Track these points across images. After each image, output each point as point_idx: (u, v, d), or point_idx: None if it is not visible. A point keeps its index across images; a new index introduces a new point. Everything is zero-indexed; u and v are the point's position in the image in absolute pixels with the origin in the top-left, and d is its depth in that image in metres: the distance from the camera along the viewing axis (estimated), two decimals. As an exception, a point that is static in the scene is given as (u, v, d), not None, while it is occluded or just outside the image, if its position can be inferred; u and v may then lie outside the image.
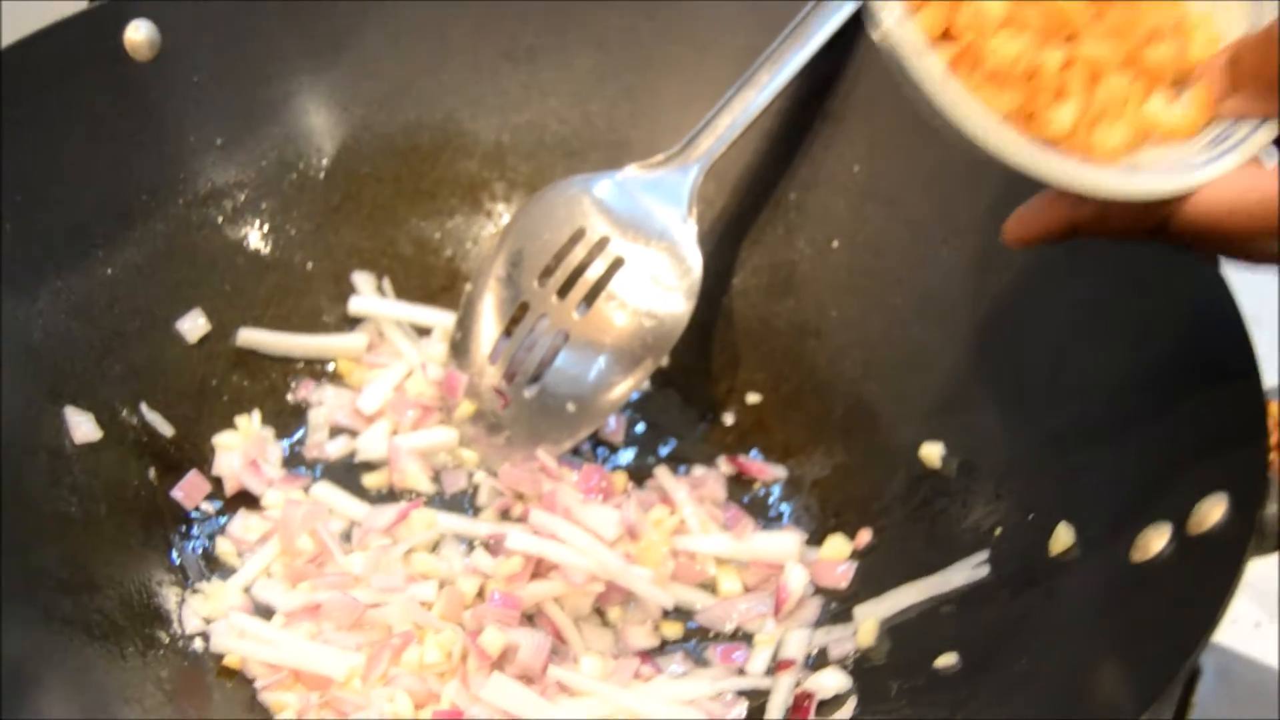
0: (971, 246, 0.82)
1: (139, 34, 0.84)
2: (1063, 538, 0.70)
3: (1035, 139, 0.58)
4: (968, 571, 0.74)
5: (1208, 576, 0.61)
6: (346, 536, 0.82)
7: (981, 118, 0.57)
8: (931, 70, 0.56)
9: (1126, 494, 0.69)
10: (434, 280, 0.92)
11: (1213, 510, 0.63)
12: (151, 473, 0.81)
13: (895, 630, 0.75)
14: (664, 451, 0.88)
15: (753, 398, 0.89)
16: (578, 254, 0.84)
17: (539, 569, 0.78)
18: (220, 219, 0.88)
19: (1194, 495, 0.64)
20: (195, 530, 0.81)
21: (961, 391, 0.81)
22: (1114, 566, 0.66)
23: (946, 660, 0.70)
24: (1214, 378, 0.68)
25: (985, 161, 0.82)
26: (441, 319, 0.90)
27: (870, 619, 0.76)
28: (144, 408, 0.83)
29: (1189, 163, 0.57)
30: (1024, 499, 0.75)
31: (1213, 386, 0.68)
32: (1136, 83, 0.59)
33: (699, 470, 0.86)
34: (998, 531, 0.75)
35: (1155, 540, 0.65)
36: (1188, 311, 0.71)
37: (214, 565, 0.80)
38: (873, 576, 0.79)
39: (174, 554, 0.79)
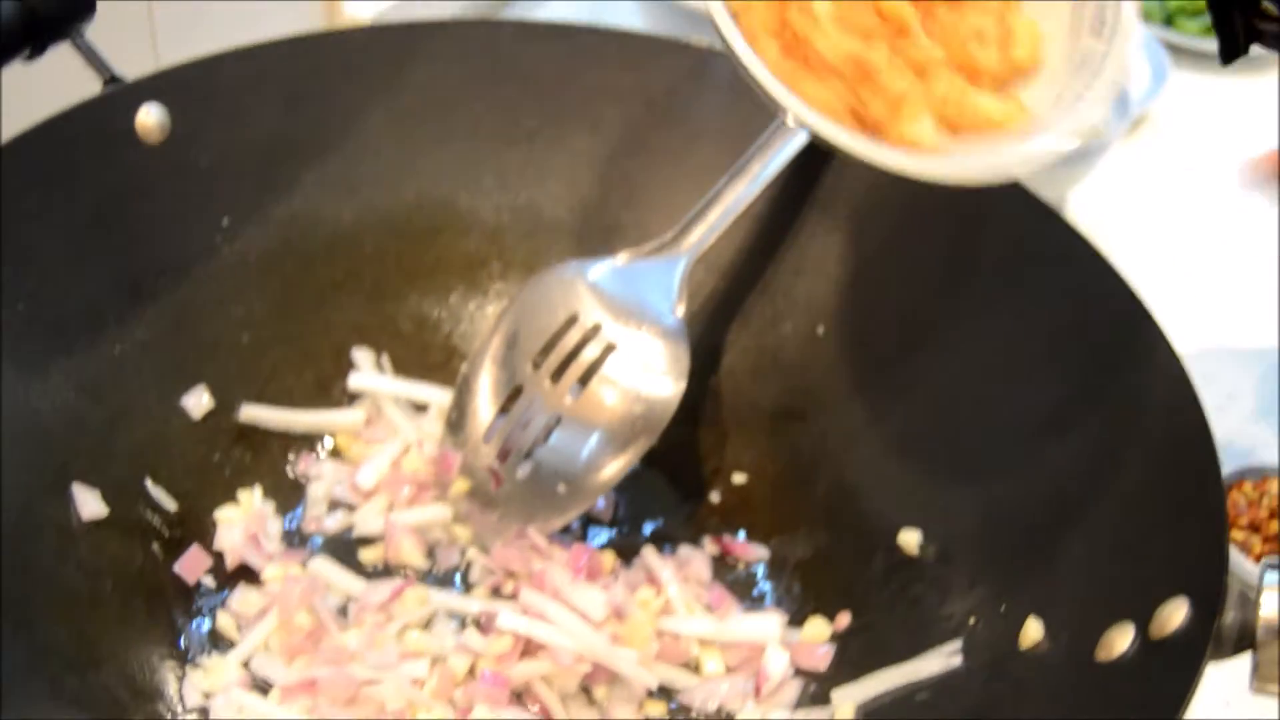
0: (953, 339, 0.85)
1: (150, 118, 0.87)
2: (1032, 632, 0.73)
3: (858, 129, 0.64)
4: (942, 660, 0.77)
5: (1167, 682, 0.63)
6: (343, 610, 0.84)
7: (802, 105, 0.62)
8: (755, 61, 0.62)
9: (1094, 591, 0.72)
10: (432, 356, 0.95)
11: (1174, 614, 0.66)
12: (155, 547, 0.84)
13: (872, 716, 0.78)
14: (651, 529, 0.90)
15: (738, 477, 0.91)
16: (571, 339, 0.87)
17: (528, 647, 0.81)
18: (225, 297, 0.91)
19: (1157, 597, 0.67)
20: (197, 604, 0.83)
21: (940, 480, 0.83)
22: (1080, 664, 0.69)
23: (919, 749, 0.73)
24: (1178, 480, 0.71)
25: (971, 256, 0.86)
26: (438, 396, 0.93)
27: (848, 703, 0.78)
28: (149, 483, 0.85)
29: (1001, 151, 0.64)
30: (997, 589, 0.77)
31: (1177, 489, 0.71)
32: (958, 78, 0.65)
33: (684, 550, 0.88)
34: (972, 620, 0.77)
35: (1119, 640, 0.68)
36: (1157, 416, 0.74)
37: (215, 639, 0.82)
38: (851, 660, 0.81)
39: (176, 628, 0.82)
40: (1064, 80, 0.67)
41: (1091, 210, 1.29)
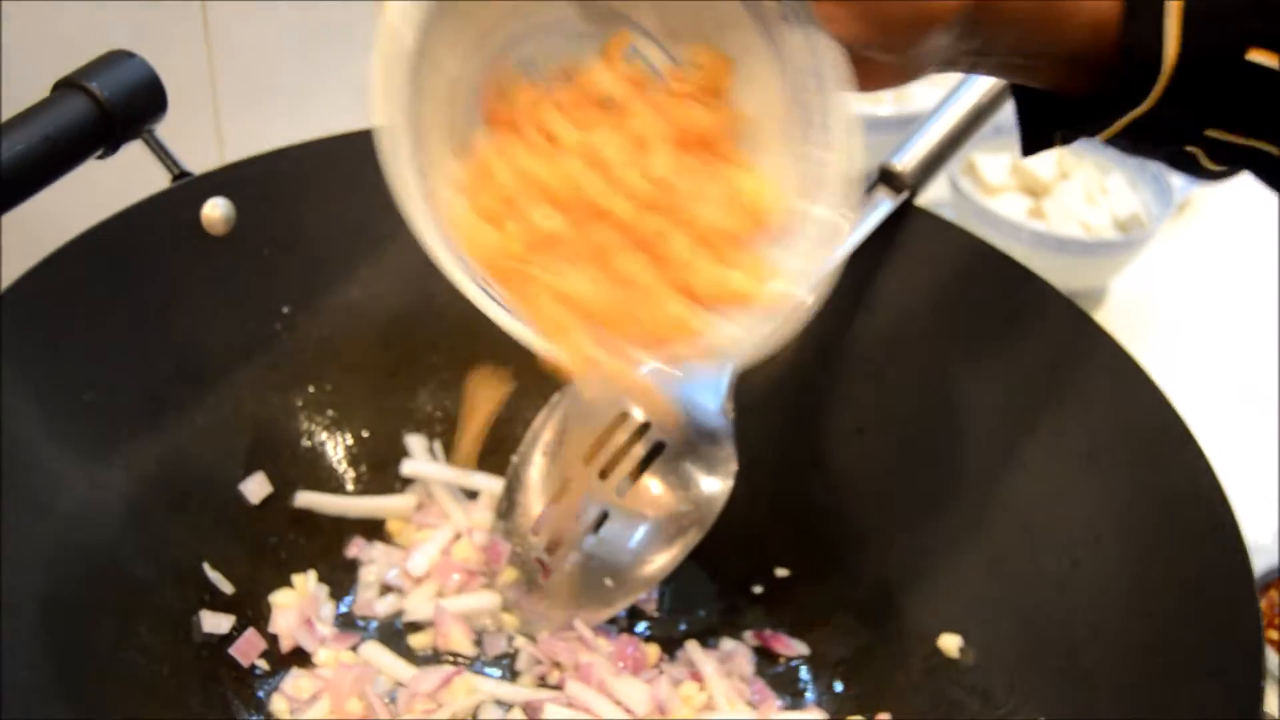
0: (995, 446, 0.87)
1: (216, 211, 0.89)
2: (1068, 749, 0.75)
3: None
4: (980, 771, 0.79)
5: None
6: (392, 696, 0.86)
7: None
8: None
9: (1132, 713, 0.73)
10: (483, 445, 0.97)
11: (1213, 745, 0.67)
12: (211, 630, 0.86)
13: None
14: (694, 621, 0.92)
15: (781, 572, 0.93)
16: (621, 436, 0.89)
17: (573, 739, 0.83)
18: (283, 384, 0.93)
19: (1196, 725, 0.68)
20: (251, 688, 0.86)
21: (980, 586, 0.84)
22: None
23: None
24: (1215, 608, 0.72)
25: (1010, 364, 0.87)
26: (489, 484, 0.95)
27: (886, 805, 0.80)
28: (206, 568, 0.87)
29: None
30: (1036, 701, 0.78)
31: (1213, 617, 0.72)
32: (712, 269, 0.63)
33: (727, 644, 0.90)
34: (1011, 732, 0.79)
35: (1159, 765, 0.69)
36: (1194, 539, 0.75)
37: (268, 722, 0.85)
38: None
39: (230, 712, 0.84)
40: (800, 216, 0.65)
41: (1135, 294, 1.30)
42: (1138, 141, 0.64)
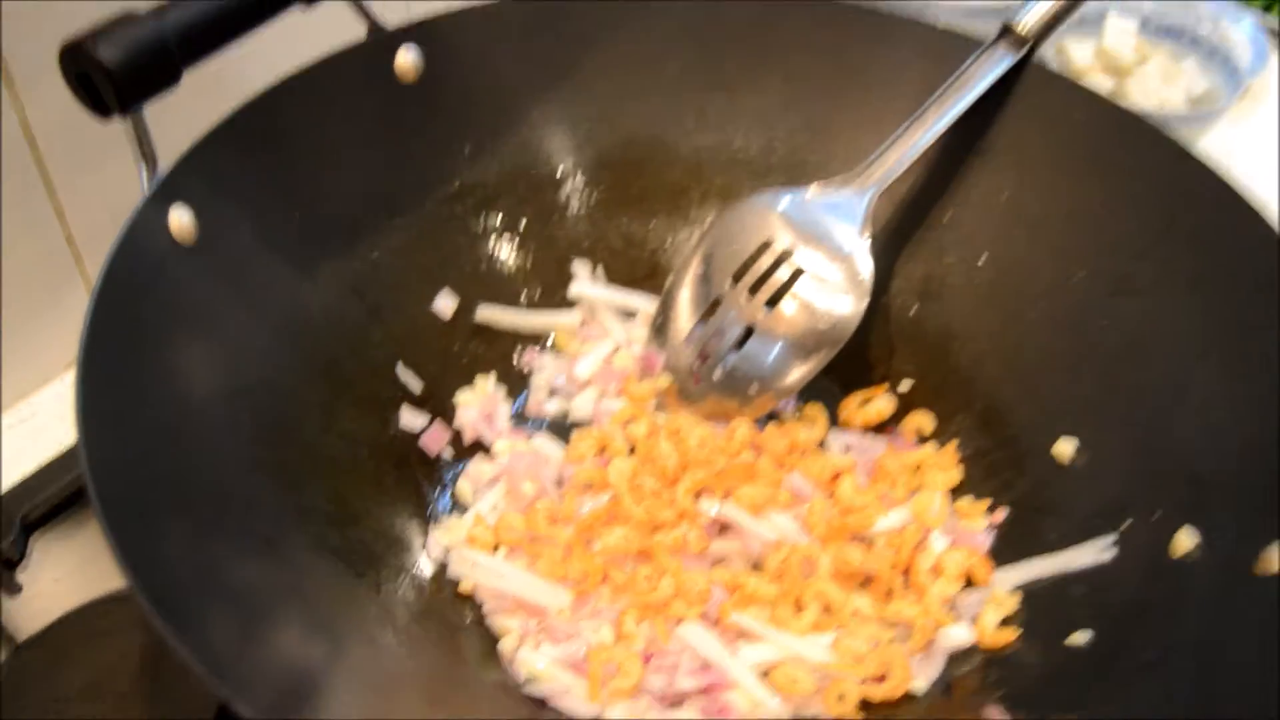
0: (1104, 271, 0.74)
1: (407, 60, 0.79)
2: (1184, 541, 0.63)
3: None
4: (1095, 553, 0.67)
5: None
6: (559, 481, 0.77)
7: None
8: None
9: (1250, 509, 0.61)
10: (639, 270, 0.87)
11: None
12: (403, 423, 0.77)
13: (1029, 601, 0.69)
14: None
15: (904, 385, 0.82)
16: (765, 261, 0.78)
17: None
18: (466, 213, 0.84)
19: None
20: (438, 472, 0.77)
21: (1094, 398, 0.72)
22: (1236, 575, 0.59)
23: (1078, 638, 0.64)
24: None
25: (1119, 199, 0.75)
26: (644, 304, 0.85)
27: (1006, 583, 0.70)
28: (400, 368, 0.79)
29: None
30: (1151, 497, 0.67)
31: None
32: None
33: (865, 439, 0.80)
34: (1126, 524, 0.68)
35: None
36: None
37: (453, 501, 0.76)
38: (1011, 548, 0.72)
39: (421, 492, 0.75)
40: None
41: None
42: None
